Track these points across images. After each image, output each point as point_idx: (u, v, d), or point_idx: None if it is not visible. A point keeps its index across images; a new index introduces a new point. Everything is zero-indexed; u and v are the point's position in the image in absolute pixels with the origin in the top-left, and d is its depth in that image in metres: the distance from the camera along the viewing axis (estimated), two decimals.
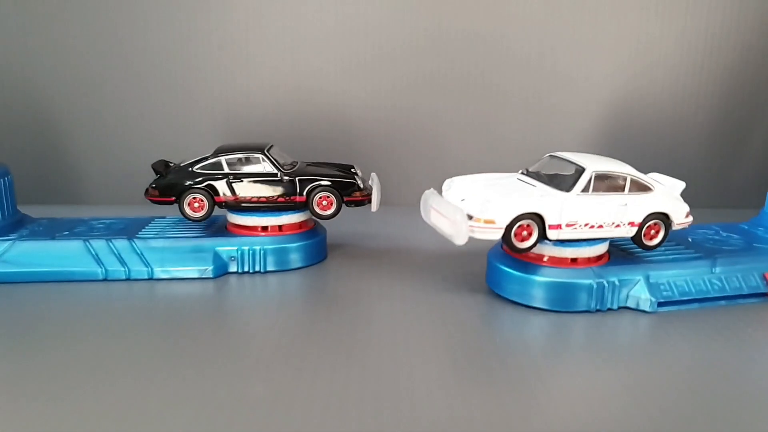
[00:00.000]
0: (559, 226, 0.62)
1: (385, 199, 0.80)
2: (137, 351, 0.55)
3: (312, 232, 0.78)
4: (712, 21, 1.04)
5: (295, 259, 0.76)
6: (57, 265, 0.70)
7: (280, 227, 0.76)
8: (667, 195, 0.66)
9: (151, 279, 0.71)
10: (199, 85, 1.07)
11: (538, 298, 0.64)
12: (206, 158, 0.74)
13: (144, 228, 0.77)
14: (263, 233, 0.75)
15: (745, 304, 0.67)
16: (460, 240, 0.60)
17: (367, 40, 1.05)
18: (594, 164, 0.64)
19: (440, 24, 1.04)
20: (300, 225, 0.77)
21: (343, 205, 0.76)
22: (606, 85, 1.07)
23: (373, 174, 0.80)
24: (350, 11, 1.04)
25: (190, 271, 0.72)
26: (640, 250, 0.69)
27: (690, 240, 0.75)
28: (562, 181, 0.64)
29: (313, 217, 0.78)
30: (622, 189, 0.64)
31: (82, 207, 1.07)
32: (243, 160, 0.75)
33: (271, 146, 0.77)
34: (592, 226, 0.63)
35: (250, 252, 0.73)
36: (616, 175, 0.64)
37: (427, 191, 0.67)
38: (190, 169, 0.74)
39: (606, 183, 0.64)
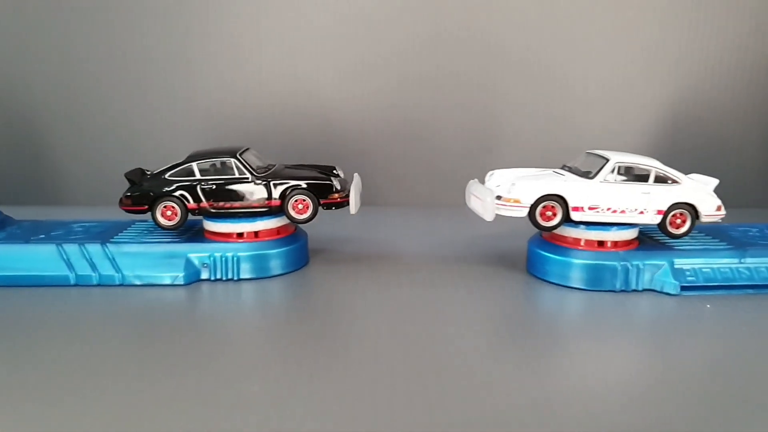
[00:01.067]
0: (581, 209, 0.70)
1: (371, 199, 0.80)
2: (104, 357, 0.54)
3: (292, 238, 0.77)
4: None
5: (275, 265, 0.74)
6: (29, 269, 0.70)
7: (256, 233, 0.74)
8: (696, 188, 0.71)
9: (122, 285, 0.71)
10: (187, 88, 1.10)
11: (572, 278, 0.71)
12: (178, 165, 0.74)
13: (122, 232, 0.77)
14: (239, 240, 0.74)
15: None
16: (488, 216, 0.70)
17: (355, 43, 1.10)
18: (619, 157, 0.71)
19: (430, 26, 1.08)
20: (278, 230, 0.76)
21: (320, 208, 0.74)
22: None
23: (355, 175, 0.79)
24: (337, 15, 1.09)
25: (162, 277, 0.71)
26: (671, 240, 0.74)
27: (727, 234, 0.78)
28: (589, 171, 0.72)
29: (294, 222, 0.76)
30: (647, 179, 0.70)
31: (71, 208, 1.07)
32: (215, 165, 0.74)
33: (246, 150, 0.77)
34: (615, 211, 0.70)
35: (223, 259, 0.72)
36: (641, 167, 0.71)
37: (471, 180, 0.78)
38: (162, 176, 0.73)
39: (630, 173, 0.71)
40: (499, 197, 0.70)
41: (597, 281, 0.70)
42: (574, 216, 0.70)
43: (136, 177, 0.75)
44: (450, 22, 1.09)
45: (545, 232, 0.75)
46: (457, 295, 0.70)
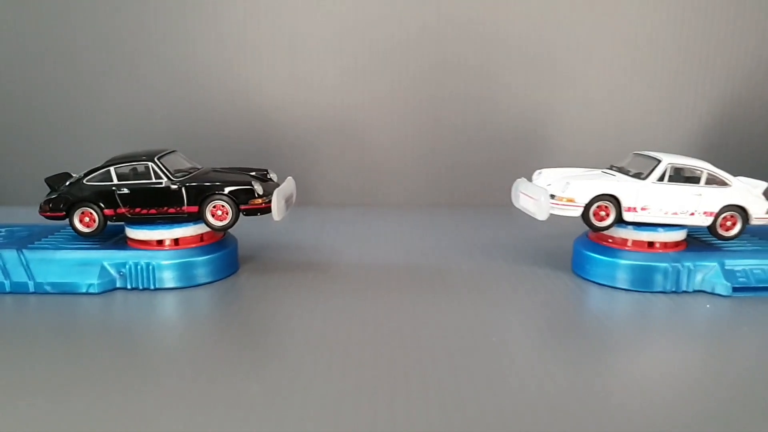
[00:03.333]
0: (634, 209, 0.70)
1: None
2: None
3: (217, 245, 0.73)
4: None
5: (199, 274, 0.71)
6: None
7: (176, 241, 0.71)
8: (745, 191, 0.72)
9: (36, 293, 0.69)
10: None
11: (620, 279, 0.71)
12: (96, 169, 0.71)
13: (47, 237, 0.76)
14: (158, 247, 0.71)
15: None
16: (542, 215, 0.70)
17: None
18: (671, 158, 0.72)
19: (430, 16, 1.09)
20: (202, 237, 0.73)
21: (241, 214, 0.71)
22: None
23: (288, 178, 0.77)
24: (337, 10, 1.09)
25: (77, 285, 0.69)
26: (719, 241, 0.74)
27: None
28: (641, 172, 0.72)
29: (213, 230, 0.72)
30: (698, 181, 0.71)
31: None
32: (134, 169, 0.72)
33: (170, 152, 0.74)
34: (666, 212, 0.70)
35: (139, 267, 0.69)
36: (692, 169, 0.71)
37: (518, 179, 0.78)
38: (81, 181, 0.71)
39: (682, 175, 0.72)
40: (552, 196, 0.71)
41: (647, 282, 0.70)
42: (627, 216, 0.70)
43: (56, 182, 0.73)
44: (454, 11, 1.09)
45: (593, 233, 0.75)
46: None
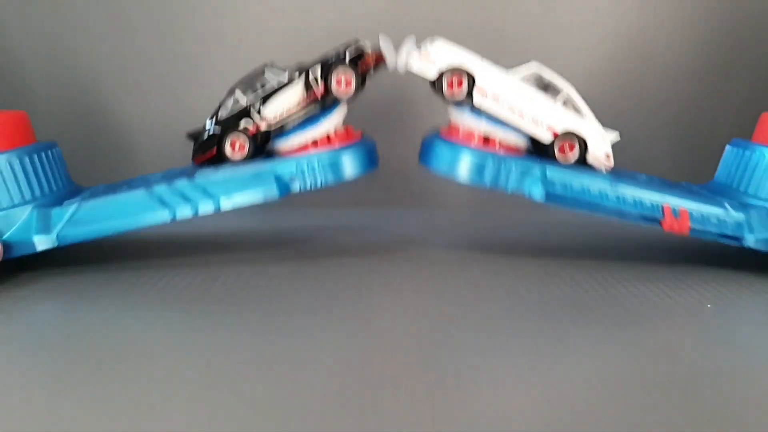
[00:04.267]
0: (485, 93, 0.71)
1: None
2: None
3: (362, 140, 0.76)
4: None
5: (348, 167, 0.73)
6: (125, 216, 0.71)
7: (328, 138, 0.74)
8: (595, 129, 0.73)
9: (218, 210, 0.71)
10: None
11: (460, 173, 0.72)
12: (223, 102, 0.75)
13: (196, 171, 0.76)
14: (315, 148, 0.74)
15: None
16: (400, 63, 0.71)
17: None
18: (544, 69, 0.73)
19: None
20: (347, 132, 0.76)
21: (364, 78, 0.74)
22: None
23: (380, 35, 0.77)
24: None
25: (255, 196, 0.71)
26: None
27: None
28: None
29: (340, 99, 0.74)
30: (554, 98, 0.72)
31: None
32: (253, 84, 0.75)
33: (270, 64, 0.77)
34: (512, 109, 0.71)
35: (310, 167, 0.72)
36: (555, 85, 0.73)
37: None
38: (214, 119, 0.75)
39: (543, 85, 0.73)
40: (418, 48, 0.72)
41: (477, 175, 0.71)
42: (476, 97, 0.71)
43: (196, 133, 0.76)
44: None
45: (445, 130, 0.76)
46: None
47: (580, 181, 0.71)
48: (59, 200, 0.73)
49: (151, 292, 0.66)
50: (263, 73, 0.75)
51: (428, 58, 0.71)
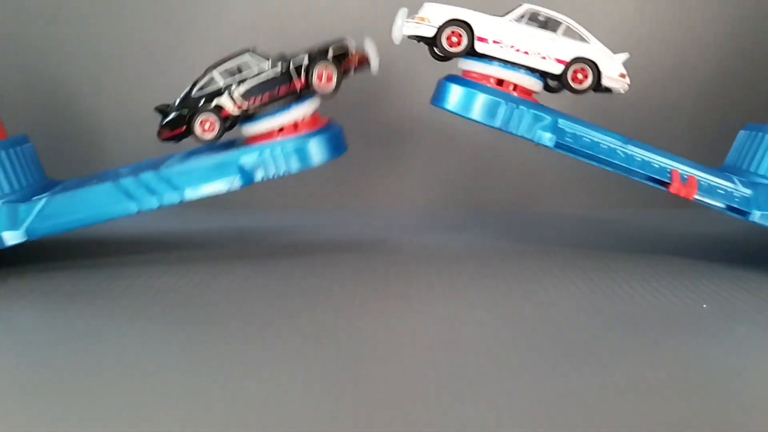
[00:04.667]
0: (486, 40, 0.71)
1: None
2: None
3: (329, 126, 0.76)
4: None
5: (315, 153, 0.73)
6: (91, 210, 0.72)
7: (295, 125, 0.73)
8: (603, 52, 0.72)
9: (182, 201, 0.72)
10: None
11: (473, 111, 0.71)
12: (199, 79, 0.74)
13: (164, 162, 0.77)
14: (281, 135, 0.73)
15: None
16: (397, 34, 0.72)
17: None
18: (535, 5, 0.73)
19: None
20: (313, 119, 0.75)
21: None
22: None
23: (366, 38, 0.76)
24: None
25: (220, 186, 0.71)
26: None
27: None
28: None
29: (320, 94, 0.74)
30: (555, 30, 0.72)
31: None
32: (233, 67, 0.74)
33: (249, 49, 0.76)
34: (518, 50, 0.71)
35: (272, 155, 0.72)
36: (553, 18, 0.73)
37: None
38: (188, 96, 0.73)
39: (540, 21, 0.73)
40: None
41: (489, 114, 0.70)
42: (478, 46, 0.71)
43: (165, 107, 0.75)
44: None
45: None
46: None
47: (591, 134, 0.70)
48: (31, 195, 0.73)
49: (128, 293, 0.65)
50: (244, 57, 0.74)
51: (423, 20, 0.72)
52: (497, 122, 0.69)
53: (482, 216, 1.06)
